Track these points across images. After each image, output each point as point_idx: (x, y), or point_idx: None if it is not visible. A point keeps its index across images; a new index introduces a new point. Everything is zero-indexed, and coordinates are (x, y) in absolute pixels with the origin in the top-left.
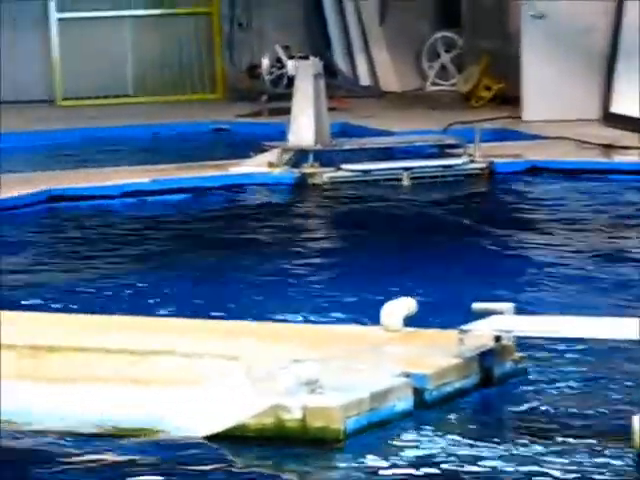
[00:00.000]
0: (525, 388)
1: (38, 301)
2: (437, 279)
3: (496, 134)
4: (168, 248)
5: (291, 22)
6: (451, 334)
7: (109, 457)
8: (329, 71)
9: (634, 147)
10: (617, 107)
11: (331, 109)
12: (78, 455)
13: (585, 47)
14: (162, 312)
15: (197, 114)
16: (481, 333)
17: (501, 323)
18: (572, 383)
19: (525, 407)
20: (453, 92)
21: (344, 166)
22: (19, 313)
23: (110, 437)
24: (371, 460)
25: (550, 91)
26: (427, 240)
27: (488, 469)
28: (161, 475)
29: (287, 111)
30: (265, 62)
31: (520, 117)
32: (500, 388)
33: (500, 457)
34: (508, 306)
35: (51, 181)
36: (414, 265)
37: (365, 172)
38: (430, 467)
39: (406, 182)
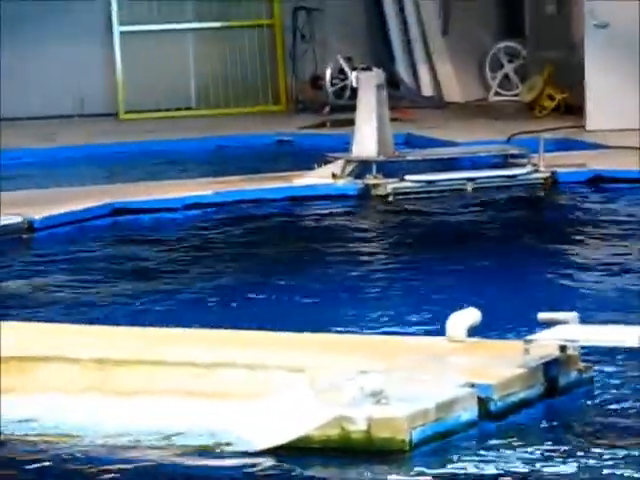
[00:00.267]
0: (590, 398)
1: (106, 313)
2: (501, 289)
3: (559, 144)
4: (231, 260)
5: (354, 33)
6: (516, 344)
7: (175, 471)
8: (392, 82)
9: None
10: None
11: (394, 120)
12: (145, 468)
13: None
14: (225, 323)
15: (260, 126)
16: (546, 343)
17: (566, 332)
18: (639, 393)
19: (590, 417)
20: (516, 102)
21: (408, 177)
22: (84, 327)
23: (175, 451)
24: (436, 471)
25: (614, 100)
26: (491, 250)
27: None
28: None
29: (350, 122)
30: (328, 73)
31: (584, 126)
32: (565, 398)
33: (565, 467)
34: (573, 315)
35: (115, 194)
36: (478, 276)
37: (429, 183)
38: (494, 478)
39: (470, 192)
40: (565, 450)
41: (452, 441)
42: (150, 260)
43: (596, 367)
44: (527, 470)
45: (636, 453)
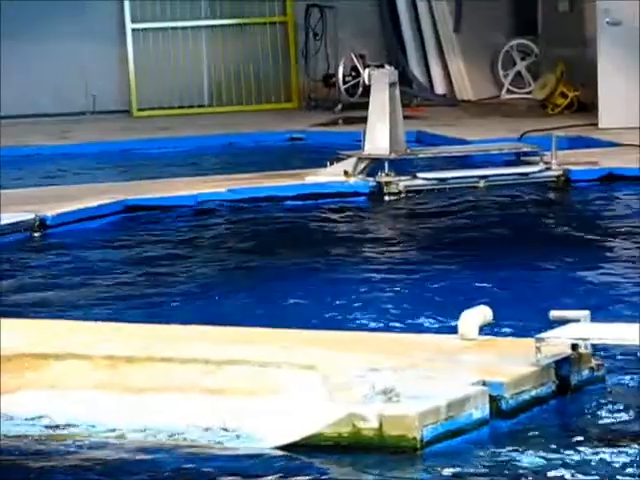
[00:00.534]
0: (602, 396)
1: (117, 310)
2: (514, 287)
3: (572, 141)
4: (243, 257)
5: (366, 31)
6: (528, 342)
7: (186, 468)
8: (404, 79)
9: None
10: None
11: (406, 117)
12: (158, 465)
13: None
14: (237, 319)
15: (272, 123)
16: (558, 341)
17: (578, 331)
18: None
19: (602, 415)
20: (529, 100)
21: (420, 174)
22: (95, 323)
23: (186, 448)
24: (448, 469)
25: (627, 98)
26: (504, 248)
27: (565, 478)
28: None
29: (363, 120)
30: (340, 71)
31: (597, 124)
32: (577, 396)
33: (577, 465)
34: (585, 314)
35: (127, 191)
36: (491, 273)
37: (441, 180)
38: (506, 477)
39: (482, 190)
40: (577, 448)
41: (463, 439)
42: (162, 257)
43: (608, 365)
44: (538, 468)
45: None
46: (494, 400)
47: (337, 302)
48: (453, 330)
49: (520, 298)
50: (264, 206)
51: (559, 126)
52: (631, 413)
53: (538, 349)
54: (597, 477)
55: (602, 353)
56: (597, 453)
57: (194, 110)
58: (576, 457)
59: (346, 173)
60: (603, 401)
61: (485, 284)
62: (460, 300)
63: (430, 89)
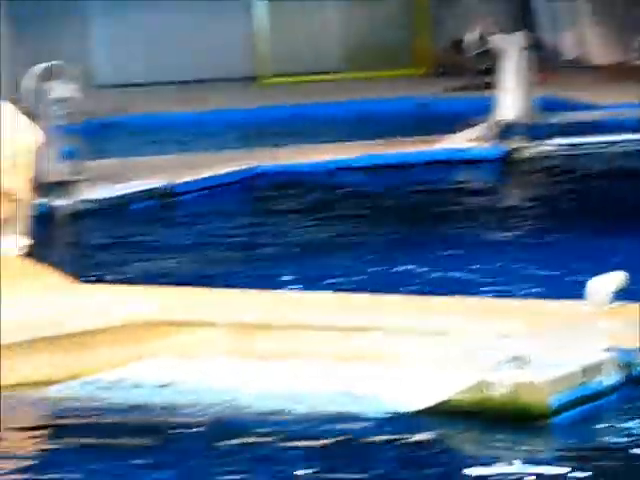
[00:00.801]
0: None
1: (246, 276)
2: None
3: None
4: (370, 222)
5: None
6: None
7: (316, 435)
8: (535, 45)
9: None
10: None
11: (536, 83)
12: (286, 433)
13: None
14: (368, 286)
15: (402, 90)
16: None
17: None
18: None
19: None
20: None
21: (550, 140)
22: (224, 290)
23: (316, 415)
24: (578, 436)
25: None
26: (638, 214)
27: None
28: (367, 453)
29: (493, 86)
30: (471, 37)
31: None
32: None
33: None
34: None
35: (259, 158)
36: (625, 239)
37: (572, 146)
38: (637, 443)
39: (613, 156)
40: None
41: (594, 407)
42: (292, 226)
43: None
44: None
45: None
46: (625, 367)
47: (468, 268)
48: (584, 296)
49: None
50: (393, 172)
51: None
52: None
53: None
54: None
55: None
56: None
57: (324, 77)
58: None
59: (476, 139)
60: None
61: (617, 250)
62: (591, 266)
63: (561, 54)
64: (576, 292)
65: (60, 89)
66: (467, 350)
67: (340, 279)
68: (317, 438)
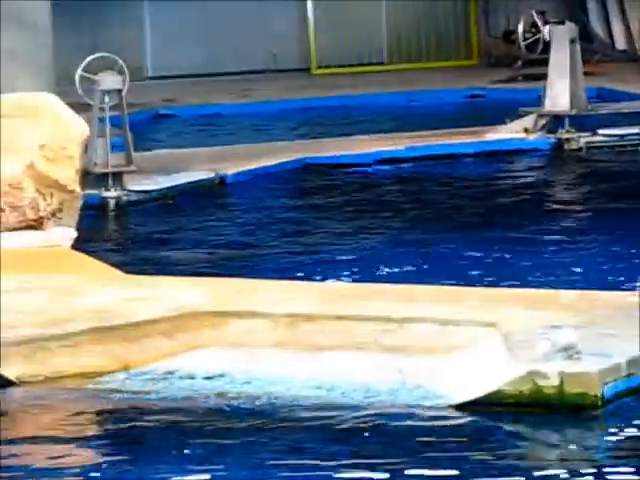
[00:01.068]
0: None
1: (294, 267)
2: None
3: None
4: (423, 215)
5: None
6: None
7: (365, 424)
8: (585, 36)
9: None
10: None
11: (587, 74)
12: (336, 423)
13: None
14: (420, 277)
15: (452, 80)
16: None
17: None
18: None
19: None
20: None
21: (601, 131)
22: (273, 282)
23: (366, 405)
24: (629, 426)
25: None
26: None
27: None
28: (418, 443)
29: (542, 76)
30: (520, 28)
31: None
32: None
33: None
34: None
35: (307, 150)
36: None
37: (622, 137)
38: None
39: None
40: None
41: None
42: (340, 216)
43: None
44: None
45: None
46: None
47: (518, 260)
48: (636, 287)
49: None
50: (443, 163)
51: None
52: None
53: None
54: None
55: None
56: None
57: (373, 67)
58: None
59: (526, 130)
60: None
61: None
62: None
63: (611, 45)
64: (626, 282)
65: (111, 80)
66: (517, 340)
67: (395, 269)
68: (367, 429)
